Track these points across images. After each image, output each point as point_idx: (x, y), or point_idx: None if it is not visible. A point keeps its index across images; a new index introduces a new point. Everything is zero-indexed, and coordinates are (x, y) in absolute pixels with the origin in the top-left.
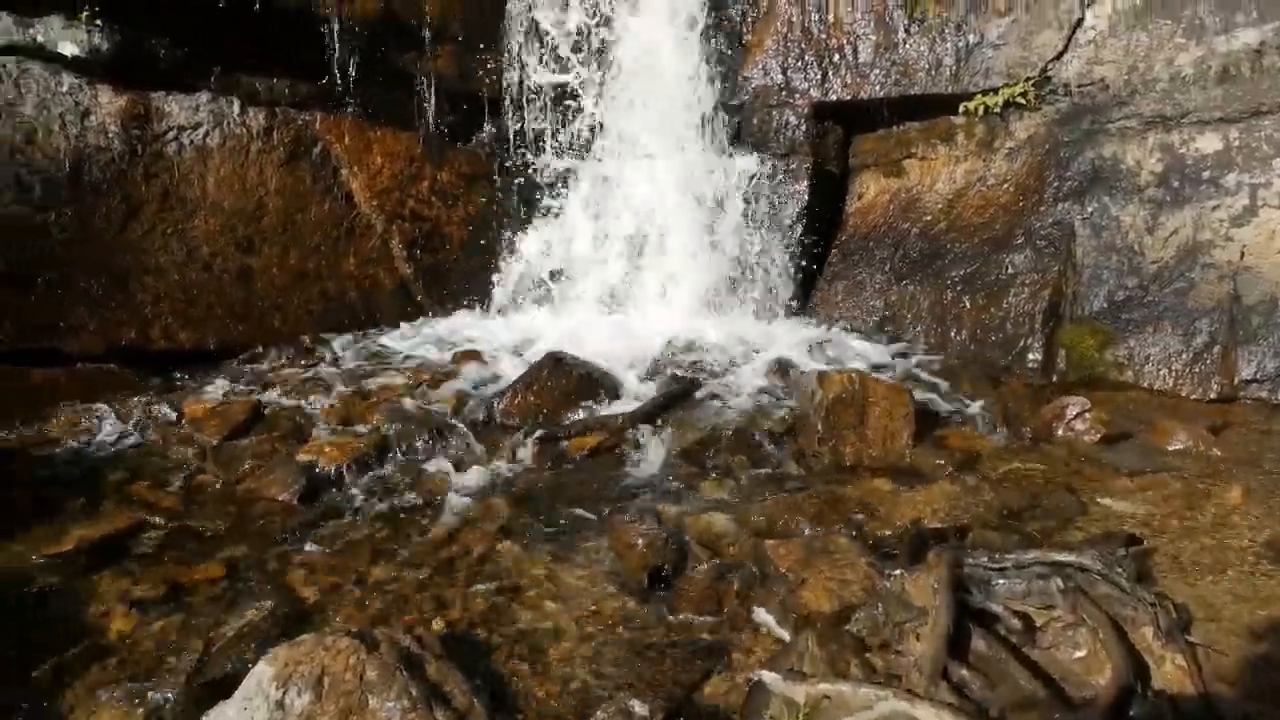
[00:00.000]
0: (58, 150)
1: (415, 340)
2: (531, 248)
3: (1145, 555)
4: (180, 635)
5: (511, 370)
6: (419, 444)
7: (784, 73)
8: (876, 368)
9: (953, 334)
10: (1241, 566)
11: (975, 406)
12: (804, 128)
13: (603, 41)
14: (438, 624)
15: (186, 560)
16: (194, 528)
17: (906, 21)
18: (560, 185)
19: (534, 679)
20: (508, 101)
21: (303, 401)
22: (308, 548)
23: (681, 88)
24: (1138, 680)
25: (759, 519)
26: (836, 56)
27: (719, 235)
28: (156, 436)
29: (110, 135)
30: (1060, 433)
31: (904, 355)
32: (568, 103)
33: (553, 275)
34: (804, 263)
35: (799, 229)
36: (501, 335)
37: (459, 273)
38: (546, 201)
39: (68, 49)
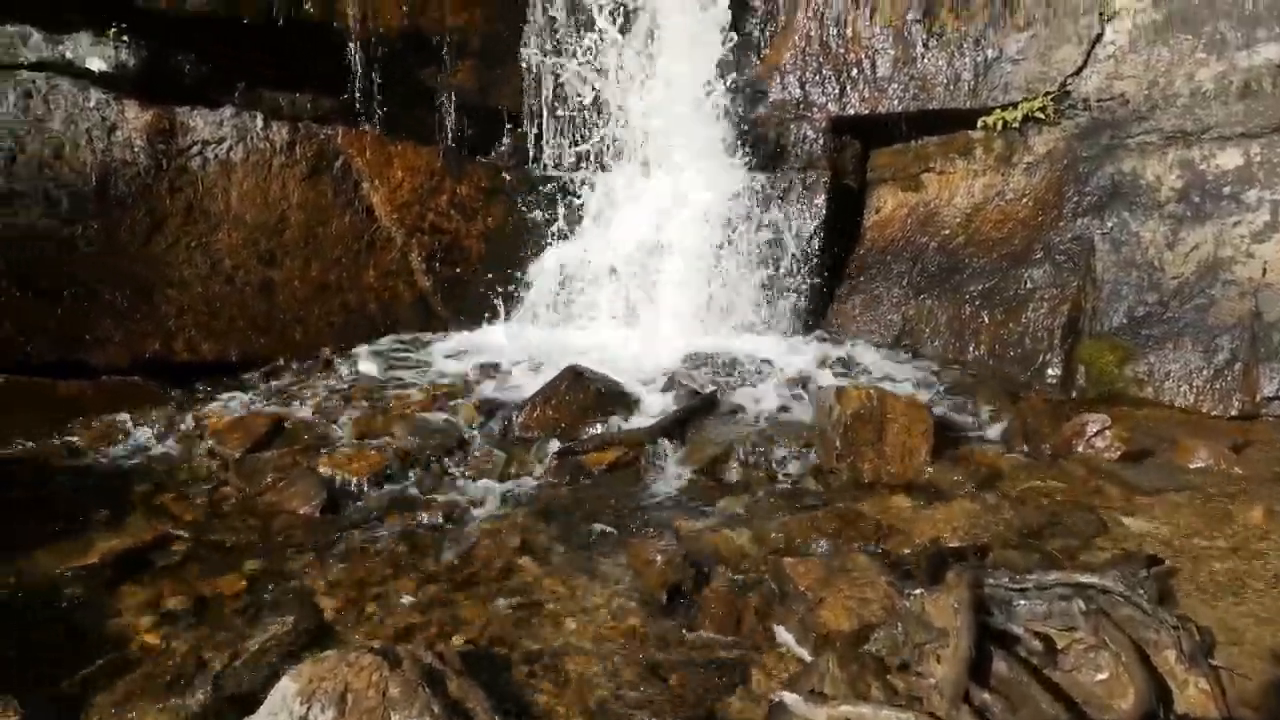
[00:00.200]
0: (85, 164)
1: (434, 353)
2: (549, 261)
3: (1167, 576)
4: (204, 648)
5: (530, 383)
6: (439, 457)
7: (802, 86)
8: (894, 382)
9: (971, 349)
10: (1264, 588)
11: (994, 423)
12: (822, 141)
13: (621, 56)
14: (458, 640)
15: (210, 573)
16: (217, 540)
17: (925, 36)
18: (578, 199)
19: (554, 697)
20: (526, 115)
21: (323, 414)
22: (329, 561)
23: (700, 101)
24: (1160, 704)
25: (777, 536)
26: (854, 71)
27: (737, 249)
28: (180, 449)
29: (136, 149)
30: (1080, 450)
31: (921, 370)
32: (585, 116)
33: (570, 288)
34: (821, 277)
35: (816, 243)
36: (520, 348)
37: (477, 285)
38: (564, 215)
39: (96, 65)
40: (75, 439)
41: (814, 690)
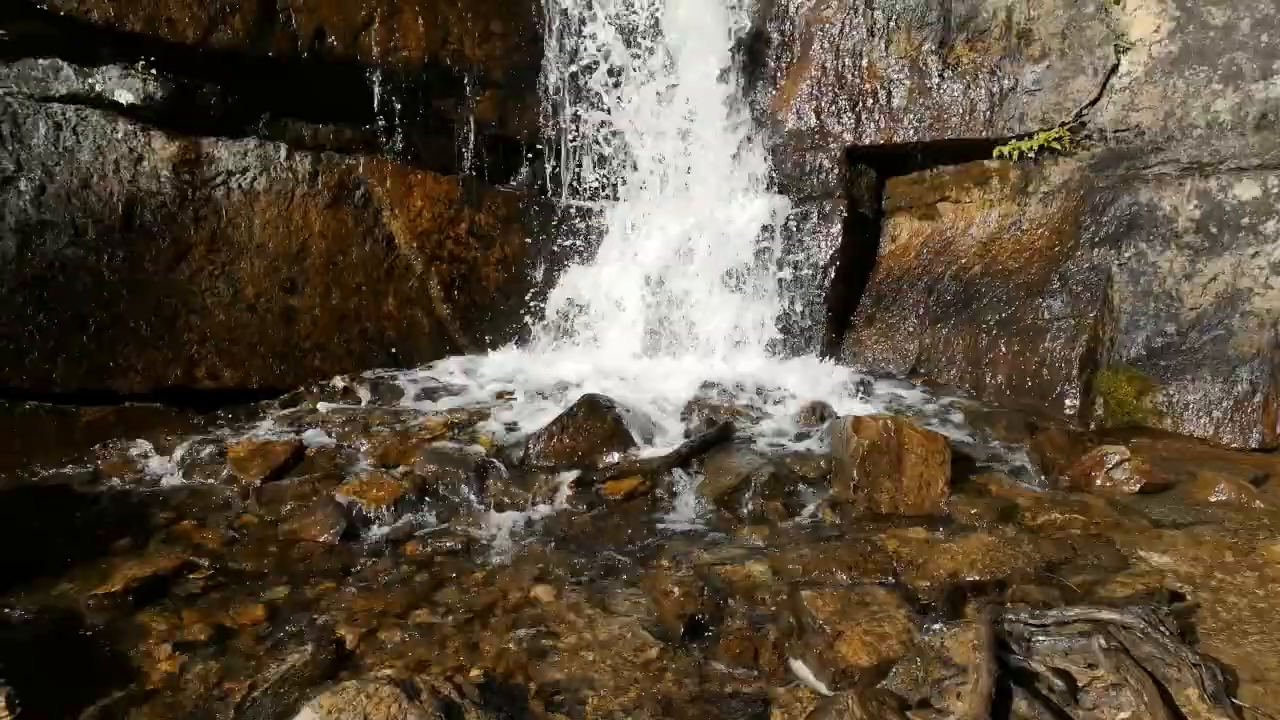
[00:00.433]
0: (111, 194)
1: (453, 381)
2: (567, 289)
3: (1188, 612)
4: (224, 678)
5: (547, 411)
6: (457, 485)
7: (817, 116)
8: (911, 411)
9: (988, 379)
10: None
11: (1011, 453)
12: (837, 171)
13: (639, 87)
14: (475, 671)
15: (230, 601)
16: (237, 568)
17: (940, 67)
18: (595, 227)
19: None
20: (545, 145)
21: (343, 442)
22: (347, 590)
23: (716, 132)
24: None
25: (795, 567)
26: (870, 101)
27: (753, 278)
28: (201, 476)
29: (162, 180)
30: (1099, 482)
31: (938, 399)
32: (603, 146)
33: (588, 316)
34: (837, 306)
35: (832, 271)
36: (537, 376)
37: (496, 313)
38: (581, 243)
39: (124, 97)
40: (99, 466)
41: None
